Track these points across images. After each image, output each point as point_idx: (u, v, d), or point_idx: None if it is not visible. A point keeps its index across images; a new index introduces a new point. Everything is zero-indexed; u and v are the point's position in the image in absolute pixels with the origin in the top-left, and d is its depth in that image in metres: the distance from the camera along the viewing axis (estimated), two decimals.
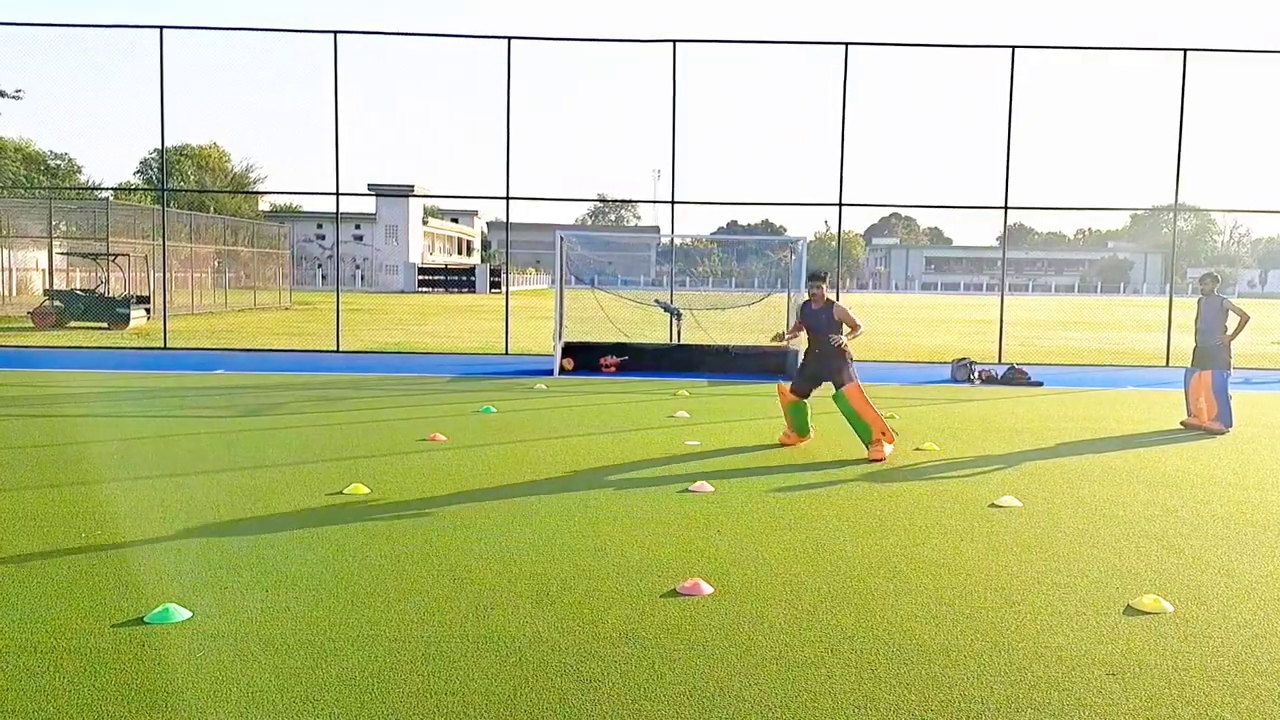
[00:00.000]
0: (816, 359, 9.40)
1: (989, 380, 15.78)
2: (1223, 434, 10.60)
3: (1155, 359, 20.14)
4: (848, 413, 9.14)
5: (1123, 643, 4.46)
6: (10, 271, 34.87)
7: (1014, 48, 18.58)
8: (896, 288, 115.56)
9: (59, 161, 63.95)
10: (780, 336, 10.02)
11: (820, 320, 9.36)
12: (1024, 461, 8.85)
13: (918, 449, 9.39)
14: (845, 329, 9.36)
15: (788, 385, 9.60)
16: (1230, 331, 10.98)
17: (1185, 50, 18.47)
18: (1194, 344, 11.28)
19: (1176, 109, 18.62)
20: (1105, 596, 5.10)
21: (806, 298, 9.50)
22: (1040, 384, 15.48)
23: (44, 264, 33.93)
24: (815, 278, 9.51)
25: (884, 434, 9.05)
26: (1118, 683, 4.04)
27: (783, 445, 9.53)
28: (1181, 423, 11.17)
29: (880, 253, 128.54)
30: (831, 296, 9.50)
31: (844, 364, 9.28)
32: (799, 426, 9.61)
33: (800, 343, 9.79)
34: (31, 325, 24.89)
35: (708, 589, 5.07)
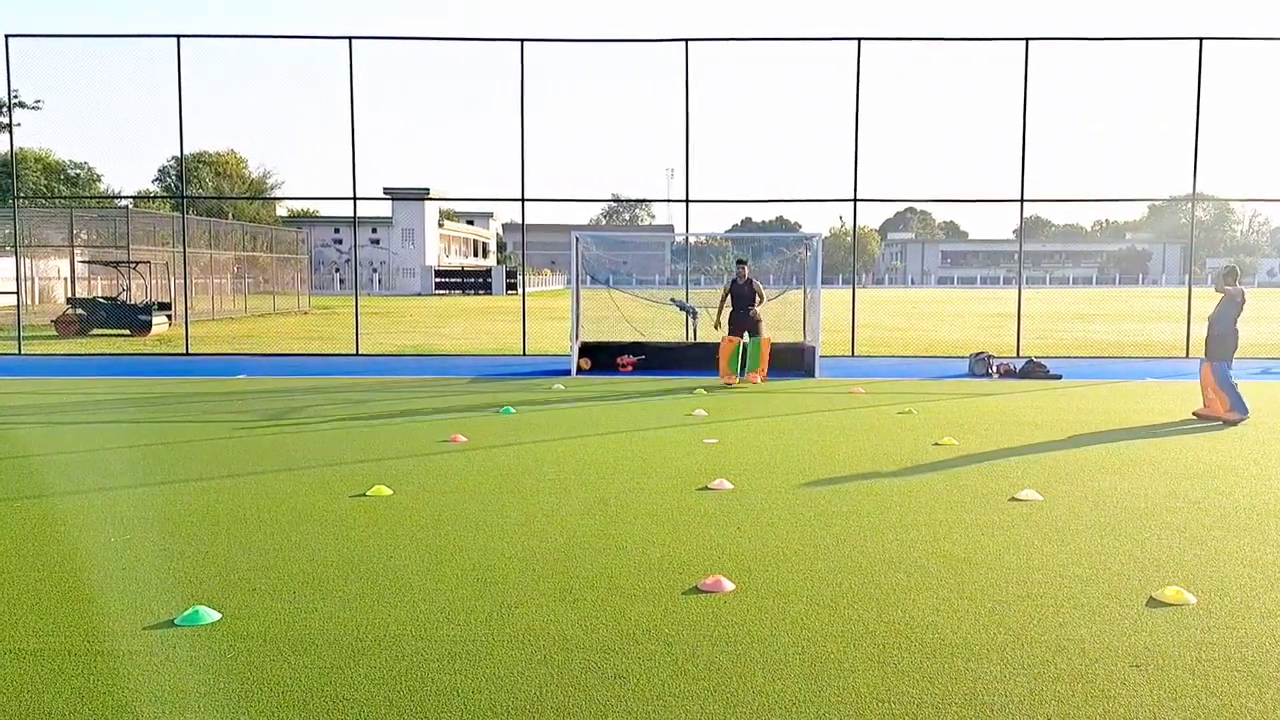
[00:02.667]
0: (744, 317, 14.59)
1: (1007, 374, 15.74)
2: (1239, 422, 10.56)
3: (1175, 350, 20.02)
4: (754, 349, 14.56)
5: (1145, 635, 4.47)
6: (33, 281, 35.22)
7: (1028, 40, 18.51)
8: (913, 282, 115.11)
9: (79, 171, 64.44)
10: (718, 324, 14.90)
11: (746, 291, 14.63)
12: (1043, 455, 8.84)
13: (936, 444, 9.39)
14: (759, 298, 14.79)
15: (733, 337, 14.47)
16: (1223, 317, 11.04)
17: (1201, 39, 18.36)
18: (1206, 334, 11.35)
19: (1193, 98, 18.51)
20: (1127, 589, 5.10)
21: (735, 275, 14.78)
22: (1059, 377, 15.42)
23: (66, 273, 34.26)
24: (741, 262, 14.78)
25: (764, 371, 14.63)
26: (1141, 675, 4.04)
27: (727, 386, 14.07)
28: (1194, 413, 11.13)
29: (896, 247, 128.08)
30: (750, 276, 14.80)
31: (761, 321, 14.73)
32: (736, 367, 14.41)
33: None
34: (55, 333, 25.15)
35: (729, 585, 5.10)
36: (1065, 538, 6.06)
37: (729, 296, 14.69)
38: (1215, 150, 22.34)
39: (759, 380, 14.44)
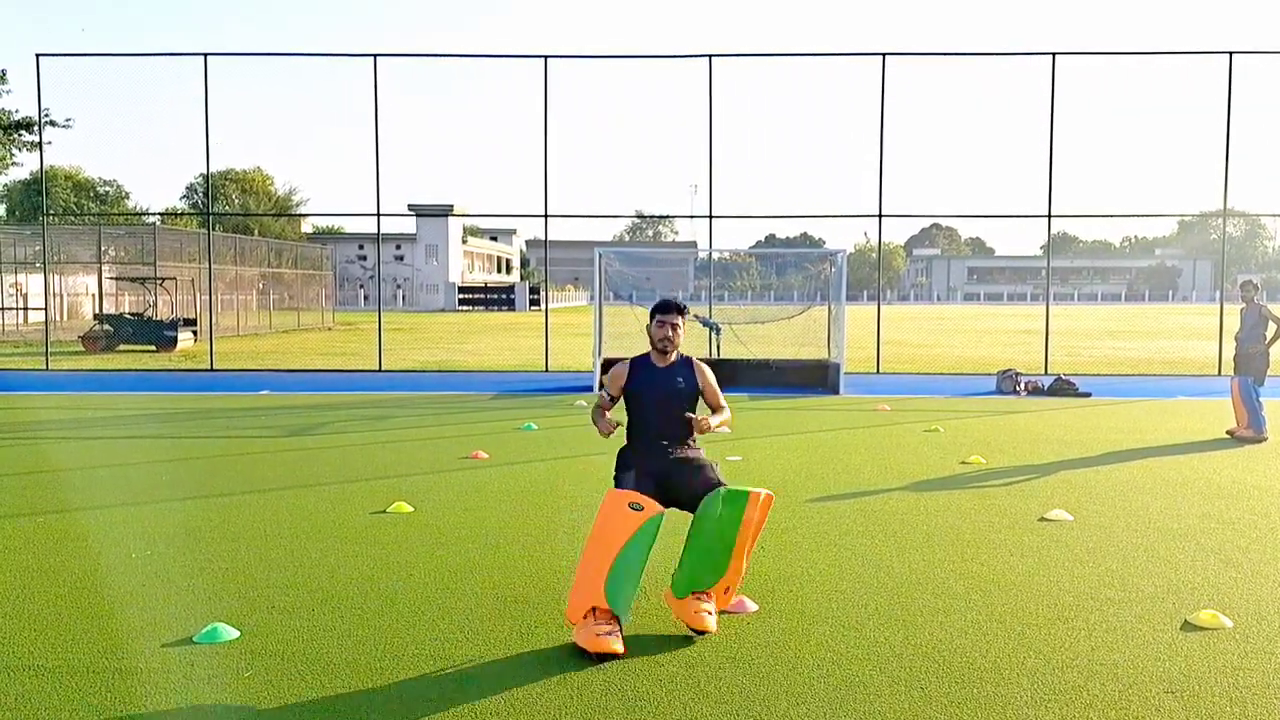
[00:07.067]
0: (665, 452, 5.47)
1: (1035, 391, 15.56)
2: (1257, 441, 10.41)
3: (1207, 367, 19.74)
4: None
5: (1181, 659, 4.35)
6: (61, 297, 35.64)
7: (1054, 54, 18.39)
8: (938, 298, 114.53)
9: (108, 188, 65.34)
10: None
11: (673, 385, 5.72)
12: (1073, 474, 8.69)
13: (963, 462, 9.26)
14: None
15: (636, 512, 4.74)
16: (1268, 339, 10.87)
17: (1231, 53, 18.18)
18: (1234, 352, 11.22)
19: (1224, 112, 18.31)
20: (1161, 612, 4.98)
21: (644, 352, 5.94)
22: (1088, 394, 15.22)
23: (94, 289, 34.65)
24: (674, 307, 5.88)
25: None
26: (1176, 701, 3.93)
27: None
28: (1227, 431, 10.97)
29: (921, 264, 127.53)
30: (689, 354, 5.84)
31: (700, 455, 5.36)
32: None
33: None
34: (82, 349, 25.39)
35: (752, 606, 5.02)
36: (1096, 559, 5.94)
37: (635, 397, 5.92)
38: (1246, 164, 22.11)
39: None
